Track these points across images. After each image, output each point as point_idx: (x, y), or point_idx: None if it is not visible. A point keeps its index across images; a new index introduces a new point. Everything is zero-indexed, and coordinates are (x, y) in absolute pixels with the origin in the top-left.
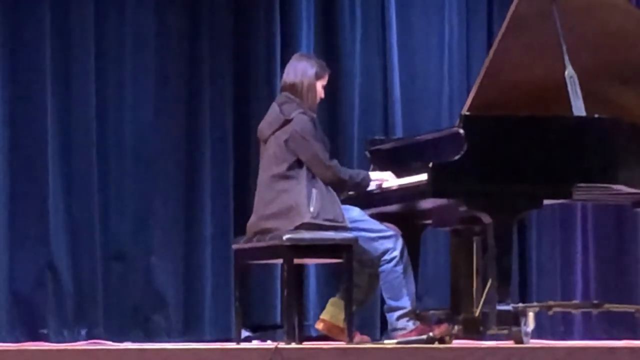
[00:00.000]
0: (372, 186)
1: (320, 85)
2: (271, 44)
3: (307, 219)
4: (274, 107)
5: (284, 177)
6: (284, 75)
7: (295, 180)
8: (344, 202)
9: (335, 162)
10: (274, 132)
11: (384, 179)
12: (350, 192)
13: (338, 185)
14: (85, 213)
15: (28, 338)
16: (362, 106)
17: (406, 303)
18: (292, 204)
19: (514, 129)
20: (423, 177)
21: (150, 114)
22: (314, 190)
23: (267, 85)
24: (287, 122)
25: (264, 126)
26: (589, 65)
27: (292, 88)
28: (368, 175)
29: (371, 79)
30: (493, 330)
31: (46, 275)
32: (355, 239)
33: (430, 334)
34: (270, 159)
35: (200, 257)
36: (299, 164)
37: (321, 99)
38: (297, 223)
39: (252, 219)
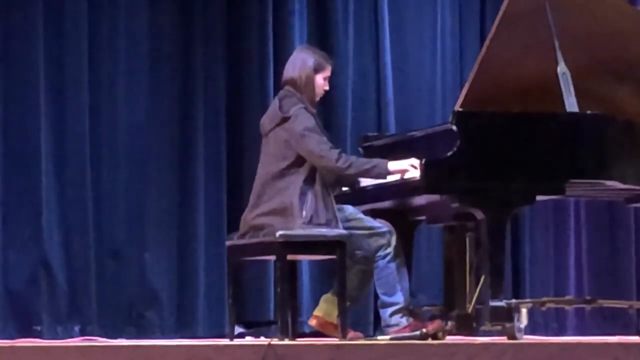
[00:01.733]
0: (395, 177)
1: (320, 77)
2: (264, 41)
3: (298, 224)
4: (275, 102)
5: (282, 175)
6: (285, 70)
7: (292, 178)
8: (337, 200)
9: (335, 152)
10: (273, 129)
11: (406, 169)
12: (376, 180)
13: (340, 174)
14: (78, 210)
15: (21, 335)
16: (355, 102)
17: (400, 299)
18: (287, 205)
19: (506, 125)
20: (416, 173)
21: (143, 111)
22: (309, 193)
23: (260, 83)
24: (285, 119)
25: (265, 121)
26: (582, 62)
27: (292, 82)
28: (383, 163)
29: (364, 75)
30: (486, 327)
31: (40, 272)
32: (348, 236)
33: (424, 330)
34: (270, 156)
35: (193, 254)
36: (297, 163)
37: (325, 92)
38: (289, 228)
39: (247, 213)
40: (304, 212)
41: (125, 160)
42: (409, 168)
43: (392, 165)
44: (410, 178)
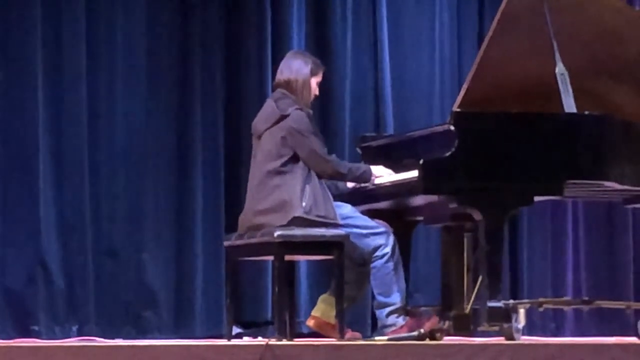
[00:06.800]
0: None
1: (315, 81)
2: (262, 42)
3: (298, 213)
4: (269, 103)
5: (279, 172)
6: (278, 73)
7: (289, 175)
8: (335, 198)
9: (333, 156)
10: (269, 128)
11: (379, 175)
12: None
13: (337, 179)
14: (76, 210)
15: (19, 335)
16: (353, 103)
17: (396, 299)
18: (286, 199)
19: (505, 126)
20: (414, 173)
21: (142, 111)
22: (307, 187)
23: (258, 84)
24: (283, 117)
25: (259, 122)
26: (580, 63)
27: (287, 85)
28: (369, 169)
29: (362, 76)
30: (484, 327)
31: (37, 271)
32: (347, 236)
33: (421, 330)
34: (265, 155)
35: (191, 253)
36: (294, 159)
37: (316, 96)
38: (289, 217)
39: (244, 213)
40: (303, 203)
41: (123, 160)
42: (383, 174)
43: (374, 169)
44: (379, 184)
